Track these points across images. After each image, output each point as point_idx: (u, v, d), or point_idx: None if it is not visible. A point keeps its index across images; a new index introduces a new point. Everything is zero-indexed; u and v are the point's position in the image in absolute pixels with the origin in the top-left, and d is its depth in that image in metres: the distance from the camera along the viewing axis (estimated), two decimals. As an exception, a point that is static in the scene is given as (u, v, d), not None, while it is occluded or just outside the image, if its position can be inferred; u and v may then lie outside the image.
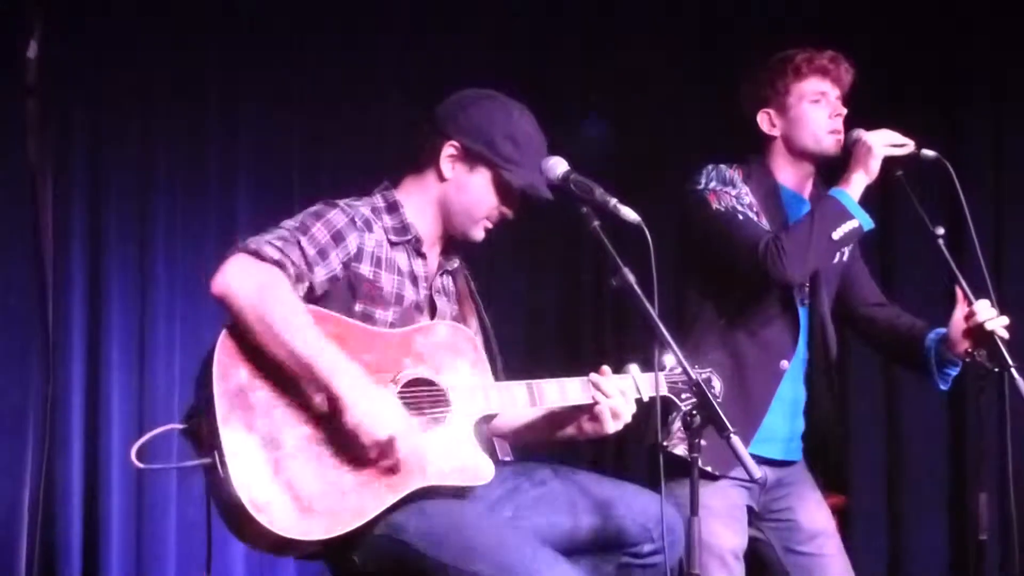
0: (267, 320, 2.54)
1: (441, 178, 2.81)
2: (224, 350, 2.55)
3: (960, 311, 3.24)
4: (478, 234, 2.85)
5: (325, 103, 4.91)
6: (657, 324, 2.64)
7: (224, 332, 2.57)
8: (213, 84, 4.77)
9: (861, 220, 3.19)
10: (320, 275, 2.66)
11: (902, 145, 3.23)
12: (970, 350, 3.23)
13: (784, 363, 3.33)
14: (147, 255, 4.65)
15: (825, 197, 3.23)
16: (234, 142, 4.82)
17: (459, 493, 2.66)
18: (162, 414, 4.40)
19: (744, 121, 3.38)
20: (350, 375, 2.55)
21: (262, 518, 2.47)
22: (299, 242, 2.65)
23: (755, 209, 3.27)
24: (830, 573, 3.39)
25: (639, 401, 2.79)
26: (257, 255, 2.60)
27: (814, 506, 3.44)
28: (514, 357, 2.96)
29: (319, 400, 2.56)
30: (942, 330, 3.31)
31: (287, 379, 2.57)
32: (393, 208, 2.82)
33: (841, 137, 3.28)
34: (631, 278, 2.64)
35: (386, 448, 2.55)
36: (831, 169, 3.33)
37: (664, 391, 2.79)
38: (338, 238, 2.70)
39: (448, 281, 2.92)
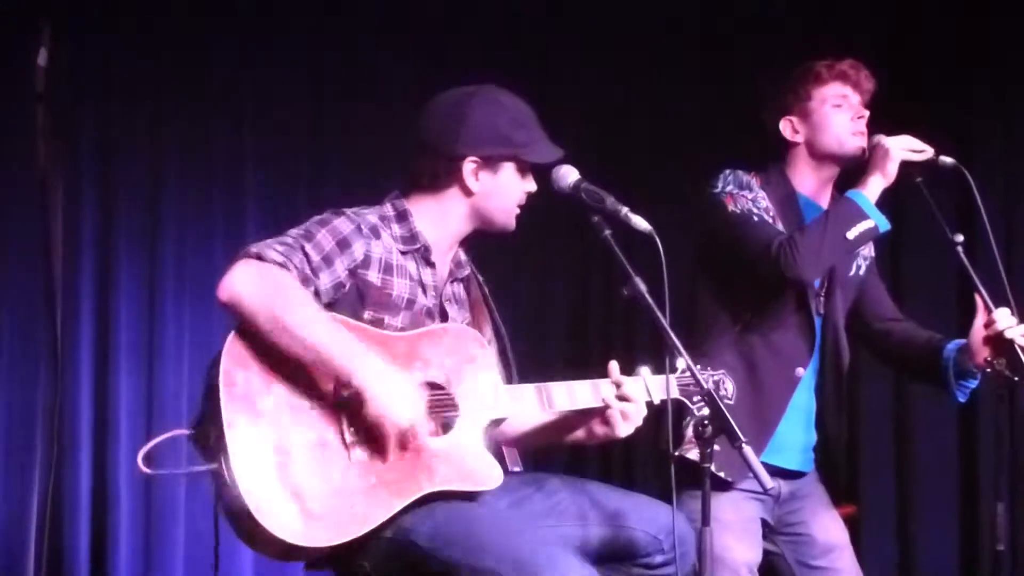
0: (279, 317, 2.53)
1: (469, 192, 2.79)
2: (231, 355, 2.55)
3: (980, 319, 3.22)
4: (514, 223, 2.85)
5: (335, 110, 4.92)
6: (668, 332, 2.63)
7: (231, 337, 2.57)
8: (222, 91, 4.78)
9: (877, 221, 3.18)
10: (325, 282, 2.65)
11: (921, 151, 3.23)
12: (989, 359, 3.21)
13: (800, 370, 3.32)
14: (156, 261, 4.66)
15: (841, 198, 3.24)
16: (243, 148, 4.83)
17: (468, 497, 2.65)
18: (171, 420, 4.39)
19: (763, 130, 3.38)
20: (369, 363, 2.54)
21: (268, 524, 2.46)
22: (303, 248, 2.64)
23: (771, 214, 3.26)
24: (844, 587, 3.38)
25: (650, 404, 2.78)
26: (260, 259, 2.59)
27: (828, 519, 3.43)
28: (523, 362, 2.94)
29: (336, 390, 2.55)
30: (960, 341, 3.30)
31: (295, 384, 2.56)
32: (403, 217, 2.81)
33: (864, 140, 3.28)
34: (642, 287, 2.63)
35: (410, 435, 2.55)
36: (848, 180, 3.33)
37: (676, 394, 2.78)
38: (343, 245, 2.69)
39: (460, 289, 2.91)
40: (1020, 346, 3.14)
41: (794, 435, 3.33)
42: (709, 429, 2.56)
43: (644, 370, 2.80)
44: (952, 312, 4.43)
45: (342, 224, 2.72)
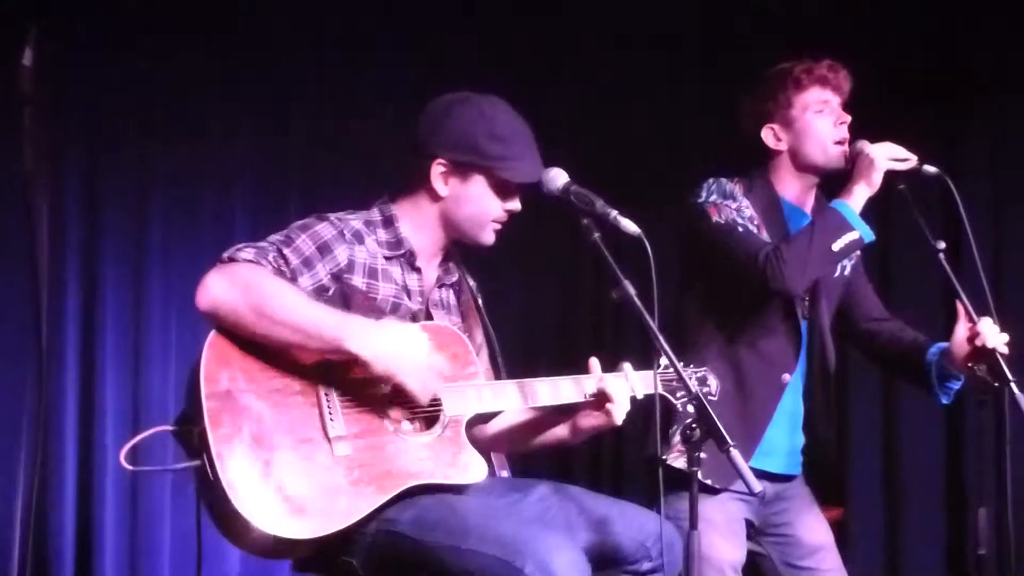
0: (260, 306, 2.54)
1: (437, 196, 2.79)
2: (212, 353, 2.56)
3: (961, 327, 3.23)
4: (489, 238, 2.84)
5: (324, 115, 4.93)
6: (657, 336, 2.64)
7: (212, 335, 2.58)
8: (210, 93, 4.77)
9: (862, 232, 3.18)
10: (306, 284, 2.66)
11: (905, 159, 3.23)
12: (970, 365, 3.23)
13: (786, 376, 3.32)
14: (142, 261, 4.66)
15: (826, 208, 3.23)
16: (231, 150, 4.83)
17: (452, 491, 2.66)
18: (156, 420, 4.34)
19: (745, 136, 3.37)
20: (362, 324, 2.57)
21: (253, 519, 2.46)
22: (280, 251, 2.66)
23: (756, 222, 3.26)
24: (830, 588, 3.39)
25: (635, 405, 2.79)
26: (232, 261, 2.62)
27: (814, 520, 3.44)
28: (512, 364, 2.95)
29: (331, 365, 2.57)
30: (943, 345, 3.31)
31: (278, 380, 2.57)
32: (389, 222, 2.82)
33: (847, 148, 3.28)
34: (631, 290, 2.64)
35: (427, 381, 2.59)
36: (833, 183, 3.33)
37: (659, 389, 2.79)
38: (324, 249, 2.70)
39: (448, 294, 2.92)
40: (1002, 354, 3.15)
41: (781, 439, 3.34)
42: (697, 433, 2.56)
43: (627, 366, 2.82)
44: (941, 315, 4.45)
45: (324, 229, 2.73)
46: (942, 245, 3.22)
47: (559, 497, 2.77)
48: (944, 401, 3.38)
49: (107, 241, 4.61)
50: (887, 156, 3.21)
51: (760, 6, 5.06)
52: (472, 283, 2.98)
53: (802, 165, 3.34)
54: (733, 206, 3.25)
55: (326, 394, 2.61)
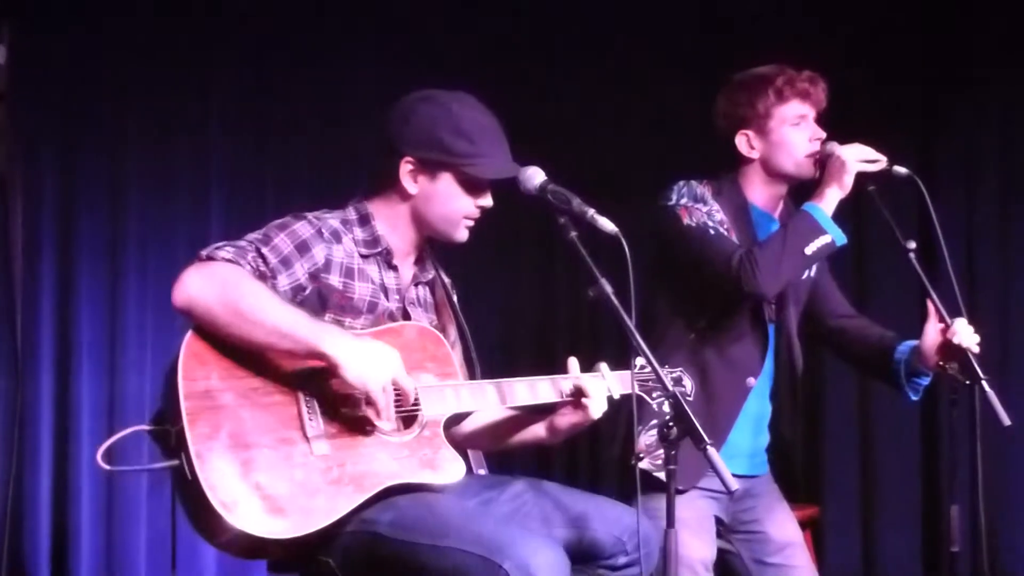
0: (236, 306, 2.53)
1: (407, 195, 2.79)
2: (190, 352, 2.55)
3: (932, 325, 3.24)
4: (462, 235, 2.83)
5: (300, 115, 4.92)
6: (634, 334, 2.63)
7: (189, 334, 2.57)
8: (186, 93, 4.76)
9: (834, 235, 3.19)
10: (283, 283, 2.66)
11: (875, 161, 3.24)
12: (941, 363, 3.24)
13: (751, 380, 3.33)
14: (117, 262, 4.65)
15: (799, 212, 3.23)
16: (207, 150, 4.81)
17: (430, 491, 2.65)
18: (133, 422, 4.32)
19: (718, 138, 3.38)
20: (335, 332, 2.58)
21: (231, 518, 2.45)
22: (259, 250, 2.65)
23: (725, 226, 3.26)
24: (799, 584, 3.40)
25: (609, 399, 2.79)
26: (211, 260, 2.61)
27: (783, 517, 3.45)
28: (489, 363, 2.95)
29: (309, 365, 2.57)
30: (912, 342, 3.32)
31: (255, 378, 2.57)
32: (365, 221, 2.82)
33: (817, 160, 3.28)
34: (608, 289, 2.64)
35: (392, 388, 2.58)
36: (802, 188, 3.34)
37: (636, 389, 2.79)
38: (303, 248, 2.70)
39: (424, 292, 2.92)
40: (973, 353, 3.17)
41: (744, 441, 3.35)
42: (674, 431, 2.56)
43: (603, 366, 2.83)
44: (914, 315, 4.48)
45: (302, 228, 2.72)
46: (912, 245, 3.24)
47: (535, 493, 2.77)
48: (913, 397, 3.40)
49: (82, 240, 4.59)
50: (857, 158, 3.22)
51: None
52: (446, 279, 2.98)
53: (773, 173, 3.33)
54: (704, 209, 3.25)
55: (305, 394, 2.61)
